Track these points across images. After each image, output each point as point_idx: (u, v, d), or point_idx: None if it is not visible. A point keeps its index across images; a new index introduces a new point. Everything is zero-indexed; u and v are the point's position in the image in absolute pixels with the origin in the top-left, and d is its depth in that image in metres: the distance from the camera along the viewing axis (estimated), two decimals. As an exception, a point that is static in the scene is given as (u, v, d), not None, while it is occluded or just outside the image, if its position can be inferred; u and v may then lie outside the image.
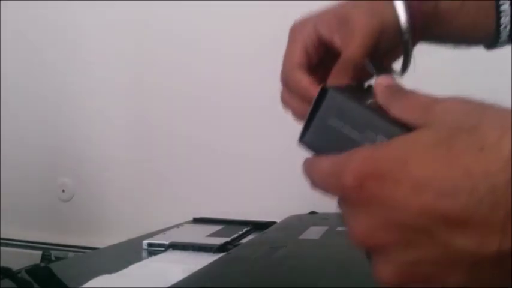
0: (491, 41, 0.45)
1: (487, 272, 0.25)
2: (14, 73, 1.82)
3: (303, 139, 0.35)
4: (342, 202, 0.30)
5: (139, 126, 1.72)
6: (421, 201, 0.25)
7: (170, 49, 1.64)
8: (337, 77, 0.41)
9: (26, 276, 0.62)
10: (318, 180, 0.31)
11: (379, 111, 0.32)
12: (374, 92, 0.33)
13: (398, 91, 0.32)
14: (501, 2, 0.43)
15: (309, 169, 0.32)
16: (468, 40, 0.46)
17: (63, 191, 1.80)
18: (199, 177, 1.62)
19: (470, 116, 0.27)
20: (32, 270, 0.63)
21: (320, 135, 0.34)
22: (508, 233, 0.23)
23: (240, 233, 0.97)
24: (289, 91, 0.44)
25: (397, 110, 0.31)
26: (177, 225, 1.07)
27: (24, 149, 1.82)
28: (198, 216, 1.15)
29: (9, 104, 1.81)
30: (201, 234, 0.97)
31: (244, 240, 0.93)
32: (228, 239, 0.91)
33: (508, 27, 0.44)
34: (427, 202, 0.25)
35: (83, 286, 0.62)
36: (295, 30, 0.45)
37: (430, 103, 0.29)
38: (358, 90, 0.40)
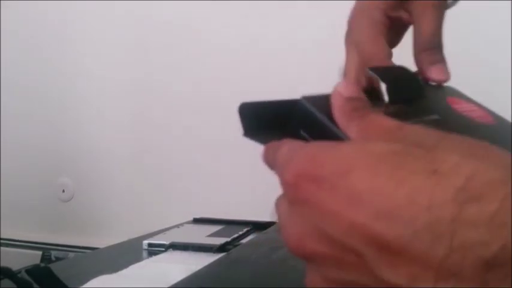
0: None
1: None
2: (14, 73, 1.82)
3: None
4: (281, 198, 0.28)
5: (140, 127, 1.72)
6: (353, 217, 0.22)
7: (171, 47, 1.65)
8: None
9: (26, 277, 0.62)
10: (276, 167, 0.29)
11: None
12: (331, 103, 0.30)
13: (360, 109, 0.29)
14: None
15: (274, 152, 0.30)
16: None
17: (63, 191, 1.80)
18: (199, 178, 1.62)
19: (430, 137, 0.24)
20: (32, 271, 0.63)
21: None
22: (446, 274, 0.20)
23: (240, 233, 0.97)
24: None
25: (355, 133, 0.28)
26: (177, 226, 1.07)
27: (24, 149, 1.82)
28: (198, 216, 1.15)
29: (9, 104, 1.82)
30: (201, 235, 0.97)
31: (244, 241, 0.93)
32: (228, 239, 0.91)
33: None
34: (359, 219, 0.22)
35: (83, 286, 0.62)
36: (361, 20, 0.42)
37: (394, 128, 0.27)
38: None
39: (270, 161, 0.30)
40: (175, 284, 0.61)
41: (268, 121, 0.34)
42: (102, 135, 1.75)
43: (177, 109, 1.64)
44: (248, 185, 1.51)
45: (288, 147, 0.28)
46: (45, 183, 1.81)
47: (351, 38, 0.42)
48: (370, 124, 0.28)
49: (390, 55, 0.41)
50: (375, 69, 0.35)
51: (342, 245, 0.23)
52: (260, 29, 1.54)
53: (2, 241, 1.74)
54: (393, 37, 0.43)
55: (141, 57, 1.69)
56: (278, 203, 0.28)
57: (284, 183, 0.26)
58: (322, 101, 0.32)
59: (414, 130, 0.26)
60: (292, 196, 0.26)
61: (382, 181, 0.22)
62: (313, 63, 1.41)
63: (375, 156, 0.23)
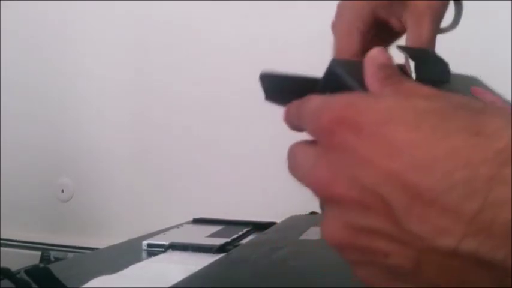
0: None
1: (435, 265, 0.22)
2: (14, 73, 1.82)
3: None
4: (298, 145, 0.28)
5: (140, 127, 1.72)
6: (390, 166, 0.22)
7: (171, 47, 1.65)
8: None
9: (25, 277, 0.61)
10: (304, 118, 0.28)
11: None
12: (363, 68, 0.29)
13: (393, 76, 0.28)
14: None
15: (299, 107, 0.29)
16: None
17: (63, 191, 1.80)
18: (199, 178, 1.62)
19: (475, 102, 0.24)
20: (31, 271, 0.63)
21: None
22: (475, 230, 0.20)
23: (240, 233, 0.97)
24: None
25: None
26: (177, 226, 1.07)
27: (24, 149, 1.82)
28: (198, 216, 1.15)
29: (9, 104, 1.81)
30: (201, 235, 0.97)
31: (244, 241, 0.93)
32: (228, 239, 0.91)
33: None
34: (395, 168, 0.22)
35: (83, 286, 0.61)
36: (344, 10, 0.41)
37: (433, 94, 0.26)
38: None
39: (294, 116, 0.30)
40: (175, 284, 0.61)
41: (288, 92, 0.34)
42: (102, 135, 1.75)
43: (177, 109, 1.64)
44: (248, 185, 1.51)
45: (320, 98, 0.27)
46: (45, 183, 1.80)
47: (333, 29, 0.42)
48: (407, 91, 0.27)
49: (361, 52, 0.40)
50: (404, 48, 0.35)
51: (373, 192, 0.23)
52: (260, 29, 1.53)
53: (1, 241, 1.74)
54: (379, 43, 0.43)
55: (141, 57, 1.69)
56: (296, 149, 0.28)
57: (318, 128, 0.26)
58: (353, 66, 0.32)
59: (456, 96, 0.25)
60: (326, 141, 0.26)
61: (423, 134, 0.22)
62: (313, 63, 1.40)
63: (418, 111, 0.23)
